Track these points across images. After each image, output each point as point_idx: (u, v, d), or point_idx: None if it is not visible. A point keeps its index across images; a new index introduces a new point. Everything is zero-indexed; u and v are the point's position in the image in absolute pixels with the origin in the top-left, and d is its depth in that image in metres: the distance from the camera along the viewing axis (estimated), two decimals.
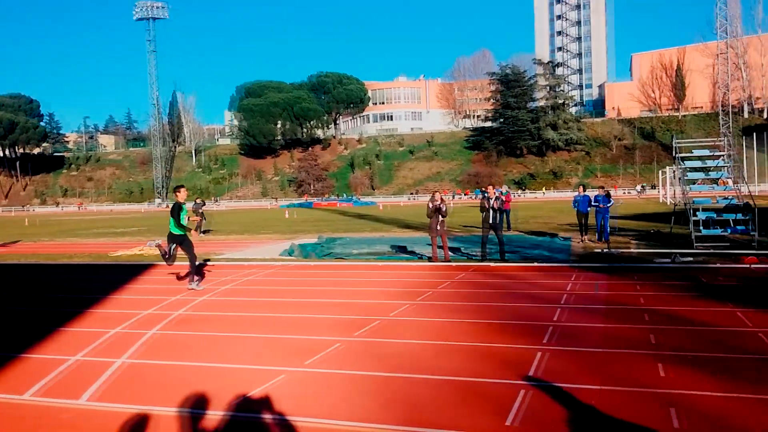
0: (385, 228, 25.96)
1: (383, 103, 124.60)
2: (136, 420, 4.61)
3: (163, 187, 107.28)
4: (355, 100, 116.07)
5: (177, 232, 10.80)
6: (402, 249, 16.69)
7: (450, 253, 14.00)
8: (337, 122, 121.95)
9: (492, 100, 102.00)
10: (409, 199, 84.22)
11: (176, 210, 10.81)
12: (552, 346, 6.24)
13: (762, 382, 4.88)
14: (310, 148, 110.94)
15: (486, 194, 13.72)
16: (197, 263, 11.49)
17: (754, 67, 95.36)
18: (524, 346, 6.25)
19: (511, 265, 12.77)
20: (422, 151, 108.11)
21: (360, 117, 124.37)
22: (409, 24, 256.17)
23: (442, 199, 13.83)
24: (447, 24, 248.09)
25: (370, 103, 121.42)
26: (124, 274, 13.23)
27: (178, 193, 11.05)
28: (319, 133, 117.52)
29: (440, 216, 13.51)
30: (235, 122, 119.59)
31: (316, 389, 5.16)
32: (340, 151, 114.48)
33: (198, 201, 26.32)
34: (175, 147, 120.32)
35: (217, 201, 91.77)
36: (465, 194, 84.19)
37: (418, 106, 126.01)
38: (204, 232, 25.22)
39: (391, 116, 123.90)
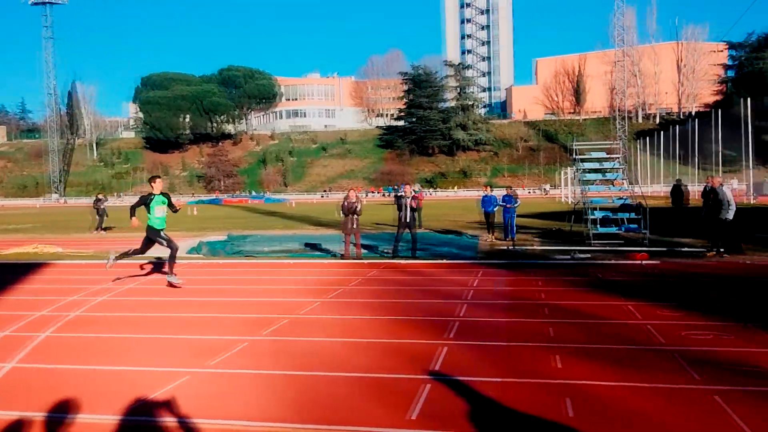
0: (297, 225, 25.70)
1: (295, 99, 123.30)
2: (15, 427, 4.28)
3: (60, 181, 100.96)
4: (266, 96, 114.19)
5: (156, 226, 10.20)
6: (314, 246, 16.58)
7: (362, 250, 14.07)
8: (248, 117, 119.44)
9: (404, 99, 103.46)
10: (322, 196, 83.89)
11: (144, 201, 10.17)
12: (456, 340, 6.39)
13: (647, 370, 5.21)
14: (219, 143, 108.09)
15: (402, 192, 14.01)
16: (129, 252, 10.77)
17: (647, 75, 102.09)
18: (429, 341, 6.35)
19: (420, 262, 12.98)
20: (335, 148, 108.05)
21: (272, 113, 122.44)
22: (321, 20, 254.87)
23: (357, 197, 13.93)
24: (359, 22, 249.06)
25: (282, 99, 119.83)
26: (15, 273, 12.30)
27: (153, 184, 10.35)
28: (230, 128, 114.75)
29: (354, 214, 13.59)
30: (140, 115, 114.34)
31: (220, 390, 5.01)
32: (251, 147, 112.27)
33: (99, 197, 24.93)
34: (74, 139, 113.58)
35: (120, 197, 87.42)
36: (377, 192, 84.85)
37: (331, 103, 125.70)
38: (104, 229, 23.99)
39: (304, 113, 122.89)
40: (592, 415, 4.23)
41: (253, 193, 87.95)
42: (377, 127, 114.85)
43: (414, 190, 17.10)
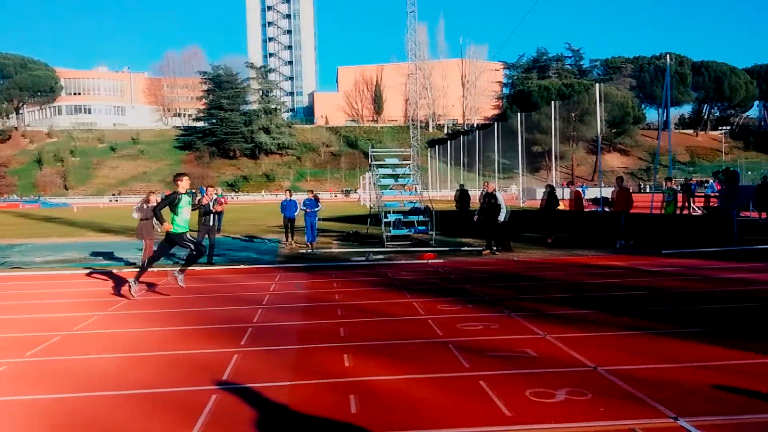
0: (79, 232, 23.38)
1: (79, 93, 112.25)
2: None
3: None
4: (43, 88, 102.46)
5: (181, 229, 9.10)
6: (103, 255, 15.23)
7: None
8: (21, 112, 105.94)
9: (204, 99, 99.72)
10: (111, 200, 77.31)
11: (170, 202, 8.97)
12: (249, 347, 6.29)
13: (426, 361, 5.60)
14: None
15: (204, 195, 13.57)
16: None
17: (437, 88, 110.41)
18: (221, 349, 6.17)
19: (218, 268, 12.60)
20: (126, 148, 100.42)
21: (50, 107, 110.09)
22: (110, 8, 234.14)
23: (157, 201, 13.27)
24: (154, 13, 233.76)
25: (63, 93, 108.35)
26: None
27: (179, 182, 9.20)
28: None
29: (154, 218, 12.94)
30: None
31: None
32: (24, 145, 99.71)
33: None
34: None
35: None
36: None
37: (121, 100, 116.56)
38: None
39: (89, 109, 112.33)
40: (373, 409, 4.43)
41: (28, 196, 78.08)
42: (175, 127, 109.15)
43: (216, 194, 16.62)
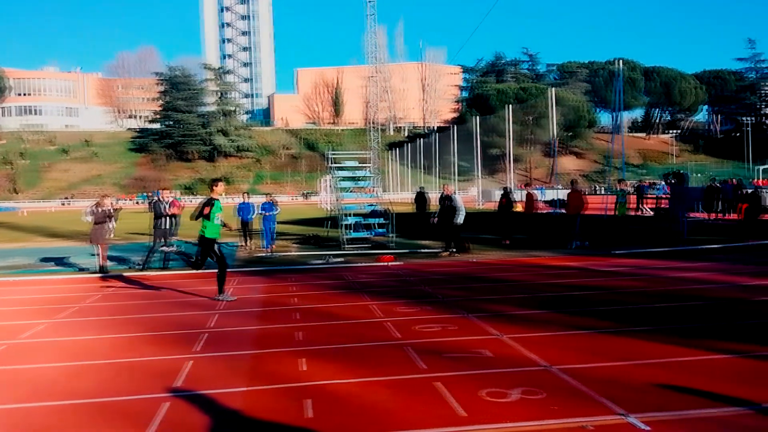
0: (27, 237, 22.61)
1: (28, 94, 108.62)
2: None
3: None
4: None
5: (211, 235, 8.98)
6: (53, 260, 14.77)
7: (108, 262, 12.97)
8: None
9: (159, 101, 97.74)
10: (62, 204, 75.03)
11: (208, 206, 8.87)
12: (203, 353, 6.18)
13: (383, 364, 5.60)
14: None
15: (157, 199, 13.36)
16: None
17: (396, 91, 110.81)
18: (174, 356, 6.05)
19: (172, 273, 12.36)
20: (78, 151, 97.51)
21: None
22: (60, 6, 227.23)
23: (111, 204, 13.06)
24: (106, 13, 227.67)
25: (11, 94, 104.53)
26: None
27: (215, 188, 9.27)
28: None
29: (107, 223, 12.71)
30: None
31: None
32: None
33: None
34: None
35: None
36: (130, 199, 78.67)
37: (73, 101, 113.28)
38: None
39: (39, 110, 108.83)
40: (328, 413, 4.41)
41: None
42: (129, 129, 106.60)
43: (174, 197, 16.38)
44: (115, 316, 8.23)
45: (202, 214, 8.98)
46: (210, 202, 8.98)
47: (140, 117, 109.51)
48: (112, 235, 13.21)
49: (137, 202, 69.74)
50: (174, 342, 6.68)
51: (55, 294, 10.14)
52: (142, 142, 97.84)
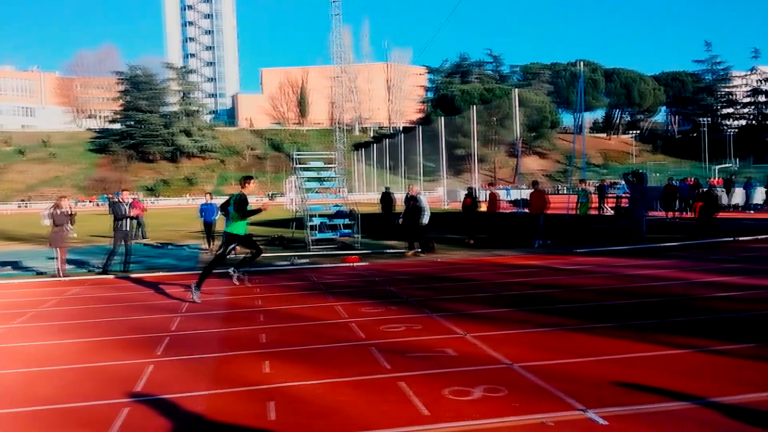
0: None
1: None
2: None
3: None
4: None
5: (239, 231, 9.32)
6: (9, 264, 14.34)
7: (67, 266, 12.67)
8: None
9: (120, 100, 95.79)
10: (19, 206, 72.92)
11: (242, 203, 9.19)
12: (165, 356, 6.09)
13: (347, 365, 5.60)
14: None
15: (117, 200, 13.10)
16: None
17: (362, 91, 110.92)
18: (135, 360, 5.94)
19: (134, 276, 12.12)
20: (36, 151, 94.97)
21: None
22: (17, 3, 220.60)
23: (70, 206, 12.79)
24: (65, 10, 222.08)
25: None
26: None
27: (247, 184, 9.56)
28: None
29: (65, 225, 12.44)
30: None
31: None
32: None
33: None
34: None
35: None
36: (90, 201, 76.92)
37: (30, 100, 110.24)
38: None
39: None
40: (292, 415, 4.39)
41: None
42: (88, 129, 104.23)
43: (135, 198, 16.10)
44: (74, 321, 8.04)
45: (241, 210, 9.26)
46: (245, 201, 9.35)
47: (100, 117, 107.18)
48: (74, 235, 12.93)
49: (98, 204, 68.20)
50: (135, 346, 6.56)
51: (11, 299, 9.87)
52: (102, 143, 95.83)
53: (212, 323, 7.63)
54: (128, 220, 13.07)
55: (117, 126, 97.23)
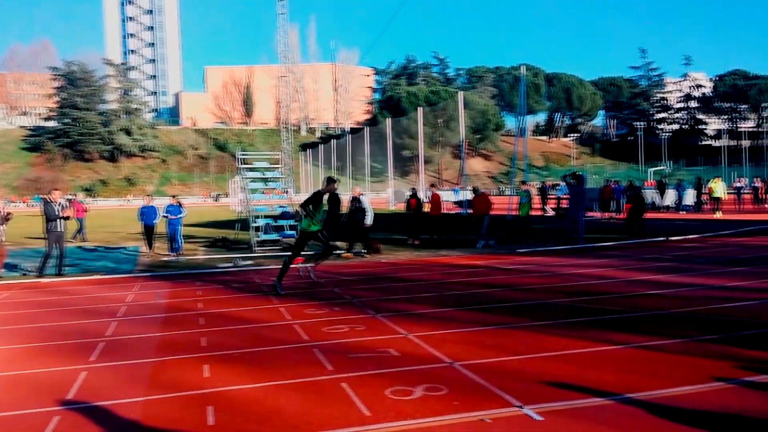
0: None
1: None
2: None
3: None
4: None
5: (314, 228, 9.69)
6: None
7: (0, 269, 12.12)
8: None
9: (55, 97, 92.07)
10: None
11: (316, 202, 9.55)
12: (100, 362, 5.90)
13: (290, 367, 5.55)
14: None
15: (50, 200, 12.56)
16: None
17: (309, 92, 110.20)
18: (67, 367, 5.73)
19: (69, 279, 11.70)
20: None
21: None
22: None
23: (3, 207, 12.25)
24: None
25: None
26: None
27: (329, 186, 9.92)
28: None
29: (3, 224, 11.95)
30: None
31: None
32: None
33: None
34: None
35: None
36: (23, 201, 73.61)
37: None
38: None
39: None
40: (231, 419, 4.32)
41: None
42: (21, 127, 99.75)
43: (71, 199, 15.48)
44: (4, 327, 7.68)
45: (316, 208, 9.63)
46: (321, 196, 9.74)
47: (34, 114, 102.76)
48: (3, 238, 12.33)
49: (32, 205, 65.33)
50: (67, 352, 6.33)
51: None
52: (36, 141, 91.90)
53: (150, 327, 7.44)
54: (62, 221, 12.56)
55: (52, 124, 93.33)
